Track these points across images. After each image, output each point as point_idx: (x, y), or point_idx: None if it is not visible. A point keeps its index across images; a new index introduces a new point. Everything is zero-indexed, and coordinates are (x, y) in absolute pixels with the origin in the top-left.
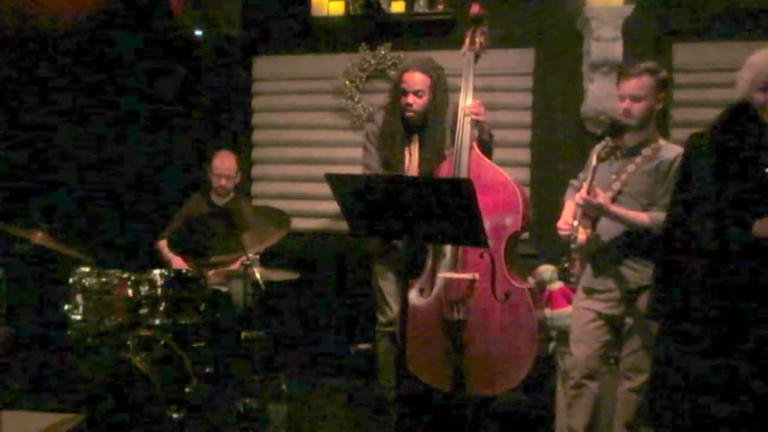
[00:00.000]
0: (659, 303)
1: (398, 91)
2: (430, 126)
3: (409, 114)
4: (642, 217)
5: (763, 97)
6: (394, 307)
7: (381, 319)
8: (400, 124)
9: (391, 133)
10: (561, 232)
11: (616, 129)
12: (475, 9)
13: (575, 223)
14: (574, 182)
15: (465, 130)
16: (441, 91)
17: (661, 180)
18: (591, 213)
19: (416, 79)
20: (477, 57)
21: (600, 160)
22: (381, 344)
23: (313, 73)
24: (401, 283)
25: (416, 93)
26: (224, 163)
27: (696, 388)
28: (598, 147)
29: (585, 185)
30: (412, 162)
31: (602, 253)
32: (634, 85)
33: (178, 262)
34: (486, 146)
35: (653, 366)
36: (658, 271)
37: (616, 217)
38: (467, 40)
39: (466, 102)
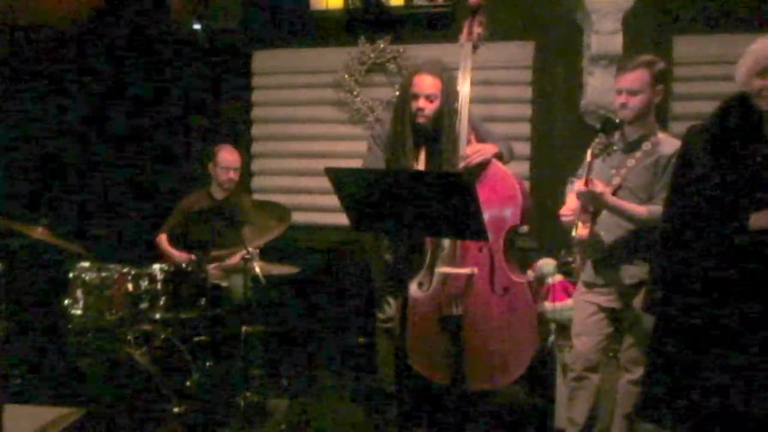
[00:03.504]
0: (655, 296)
1: (408, 96)
2: (442, 134)
3: (421, 120)
4: (640, 210)
5: (761, 83)
6: (393, 303)
7: (380, 315)
8: (410, 131)
9: (402, 141)
10: (563, 218)
11: (608, 126)
12: None
13: (576, 216)
14: (573, 179)
15: (462, 123)
16: (452, 95)
17: (660, 175)
18: (590, 205)
19: (427, 83)
20: (475, 48)
21: (594, 156)
22: (380, 340)
23: (313, 66)
24: (398, 281)
25: (428, 97)
26: (232, 155)
27: (692, 381)
28: (593, 144)
29: (582, 178)
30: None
31: (602, 248)
32: (630, 79)
33: (176, 256)
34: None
35: (649, 359)
36: (654, 264)
37: (613, 209)
38: (465, 30)
39: (463, 84)
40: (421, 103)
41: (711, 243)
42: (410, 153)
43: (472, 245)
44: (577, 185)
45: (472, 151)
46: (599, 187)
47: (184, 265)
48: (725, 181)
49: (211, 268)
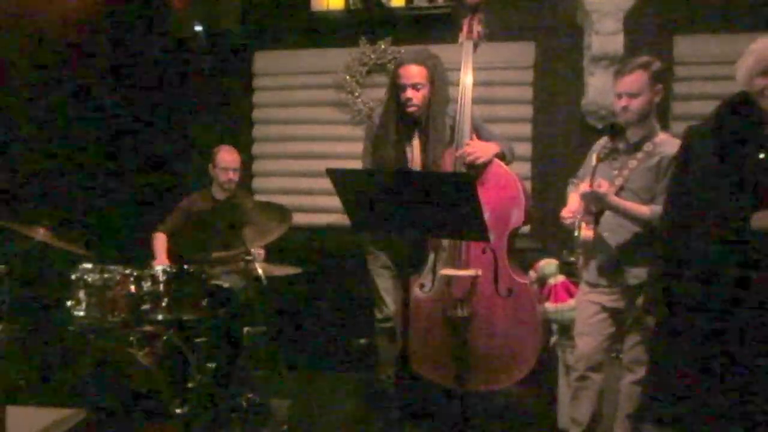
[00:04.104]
0: (655, 297)
1: (396, 88)
2: (431, 120)
3: (411, 109)
4: (642, 210)
5: (762, 83)
6: (390, 302)
7: (378, 315)
8: (395, 123)
9: (387, 133)
10: (564, 221)
11: (615, 131)
12: None
13: (578, 217)
14: (574, 180)
15: (465, 124)
16: (440, 82)
17: (662, 176)
18: (593, 206)
19: (413, 72)
20: (475, 46)
21: (599, 160)
22: (379, 340)
23: (314, 67)
24: (398, 280)
25: (414, 86)
26: (231, 155)
27: (693, 381)
28: (597, 147)
29: (587, 181)
30: (414, 159)
31: (605, 249)
32: (628, 82)
33: (162, 259)
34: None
35: (651, 359)
36: (654, 265)
37: (616, 209)
38: (464, 29)
39: (465, 82)
40: (409, 93)
41: (711, 243)
42: (399, 145)
43: (475, 247)
44: (582, 187)
45: (471, 152)
46: (603, 187)
47: (186, 266)
48: (725, 181)
49: (213, 269)
